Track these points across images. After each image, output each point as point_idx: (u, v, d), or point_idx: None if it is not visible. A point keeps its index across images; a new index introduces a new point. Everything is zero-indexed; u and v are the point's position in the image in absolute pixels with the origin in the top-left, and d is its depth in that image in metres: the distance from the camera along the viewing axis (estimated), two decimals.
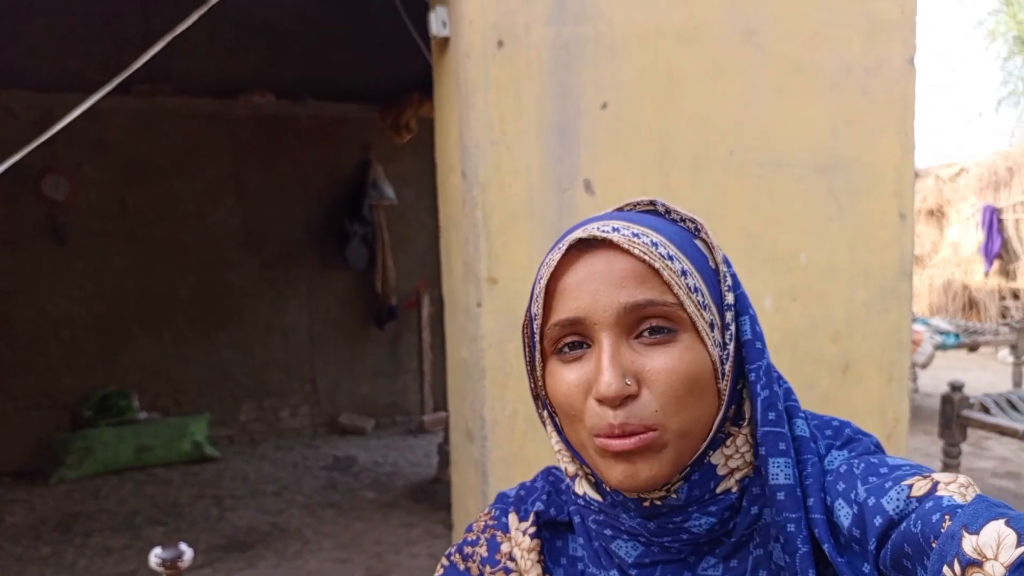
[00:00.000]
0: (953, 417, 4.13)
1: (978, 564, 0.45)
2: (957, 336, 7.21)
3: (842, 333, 2.73)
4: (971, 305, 11.41)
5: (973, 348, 7.65)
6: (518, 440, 2.35)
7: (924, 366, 7.10)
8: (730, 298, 0.63)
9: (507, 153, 2.23)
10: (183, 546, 1.06)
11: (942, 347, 7.05)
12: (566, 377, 0.62)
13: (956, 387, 4.18)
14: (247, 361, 6.15)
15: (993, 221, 10.68)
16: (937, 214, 12.07)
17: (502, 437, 2.34)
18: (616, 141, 2.37)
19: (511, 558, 0.71)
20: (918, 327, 7.02)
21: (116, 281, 5.68)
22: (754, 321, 0.64)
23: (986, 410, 4.27)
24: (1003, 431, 3.90)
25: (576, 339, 0.62)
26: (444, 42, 2.34)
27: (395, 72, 5.07)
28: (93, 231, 5.58)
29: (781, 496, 0.60)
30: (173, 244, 5.82)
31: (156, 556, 1.06)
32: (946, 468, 4.20)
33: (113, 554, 3.84)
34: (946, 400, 4.17)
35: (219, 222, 5.98)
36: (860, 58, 2.67)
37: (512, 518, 0.73)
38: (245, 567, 3.68)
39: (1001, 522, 0.46)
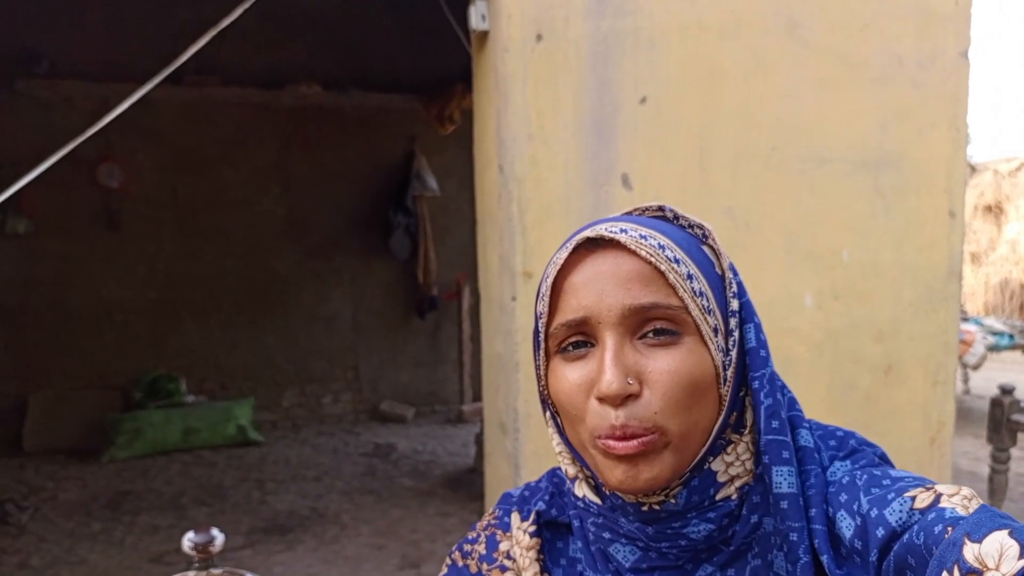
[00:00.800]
0: (1003, 421, 4.00)
1: (978, 573, 0.45)
2: (1011, 337, 6.99)
3: (886, 333, 2.68)
4: None
5: None
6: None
7: (976, 367, 6.90)
8: (735, 304, 0.63)
9: (544, 147, 2.23)
10: (215, 531, 1.09)
11: (995, 348, 6.84)
12: (569, 376, 0.62)
13: (1007, 390, 4.05)
14: (291, 348, 6.27)
15: None
16: (995, 210, 11.67)
17: (535, 430, 2.35)
18: (655, 136, 2.35)
19: (508, 556, 0.72)
20: (970, 327, 6.82)
21: (166, 267, 5.84)
22: (759, 329, 0.63)
23: None
24: None
25: (580, 339, 0.62)
26: (483, 36, 2.35)
27: (439, 63, 5.10)
28: (145, 218, 5.74)
29: (784, 505, 0.59)
30: (220, 232, 5.96)
31: (188, 540, 1.09)
32: (995, 473, 4.08)
33: (160, 532, 3.96)
34: (995, 403, 4.04)
35: (265, 211, 6.09)
36: (911, 51, 2.60)
37: (515, 517, 0.74)
38: (284, 550, 3.76)
39: (1004, 532, 0.46)
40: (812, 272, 2.57)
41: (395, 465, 5.20)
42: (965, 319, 7.21)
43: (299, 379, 6.33)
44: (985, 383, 7.72)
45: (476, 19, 2.26)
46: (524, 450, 2.34)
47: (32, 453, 5.34)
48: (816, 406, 2.57)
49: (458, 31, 2.69)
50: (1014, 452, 4.16)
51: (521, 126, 2.21)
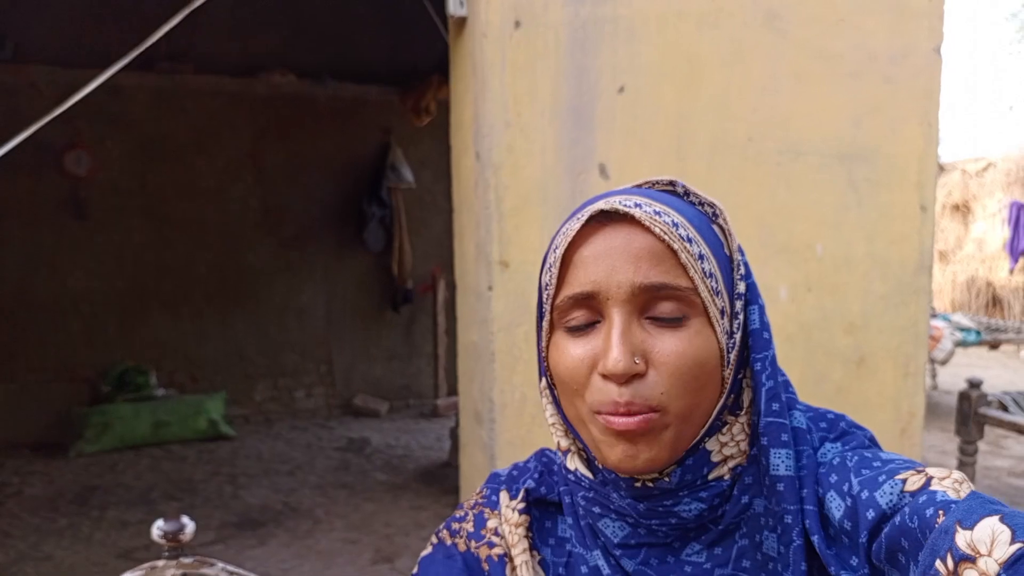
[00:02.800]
0: (970, 414, 4.07)
1: (971, 560, 0.45)
2: (978, 333, 7.11)
3: (857, 326, 2.70)
4: (995, 302, 11.24)
5: (995, 346, 7.56)
6: (526, 424, 2.35)
7: (943, 362, 7.01)
8: (742, 287, 0.62)
9: (521, 135, 2.21)
10: (185, 519, 1.07)
11: (962, 344, 6.95)
12: (572, 351, 0.61)
13: (974, 384, 4.11)
14: (263, 341, 6.19)
15: (1020, 218, 10.48)
16: (962, 209, 11.88)
17: (511, 420, 2.34)
18: (633, 125, 2.34)
19: (496, 533, 0.71)
20: (938, 323, 6.93)
21: (135, 257, 5.74)
22: (762, 312, 0.63)
23: (1004, 408, 4.21)
24: (1021, 430, 3.84)
25: (586, 313, 0.61)
26: (461, 22, 2.32)
27: (416, 54, 5.07)
28: (114, 207, 5.63)
29: (781, 487, 0.59)
30: (191, 222, 5.86)
31: (158, 528, 1.06)
32: (962, 466, 4.14)
33: (129, 528, 3.89)
34: (963, 397, 4.11)
35: (237, 201, 6.01)
36: (885, 46, 2.62)
37: (503, 496, 0.73)
38: (256, 544, 3.72)
39: (995, 518, 0.46)
40: (787, 265, 2.58)
41: (368, 459, 5.16)
42: (933, 315, 7.32)
43: (271, 372, 6.26)
44: (953, 378, 7.85)
45: (454, 5, 2.23)
46: (499, 440, 2.33)
47: None
48: None
49: (435, 17, 2.67)
50: (981, 445, 4.24)
51: (498, 113, 2.19)
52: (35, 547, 3.65)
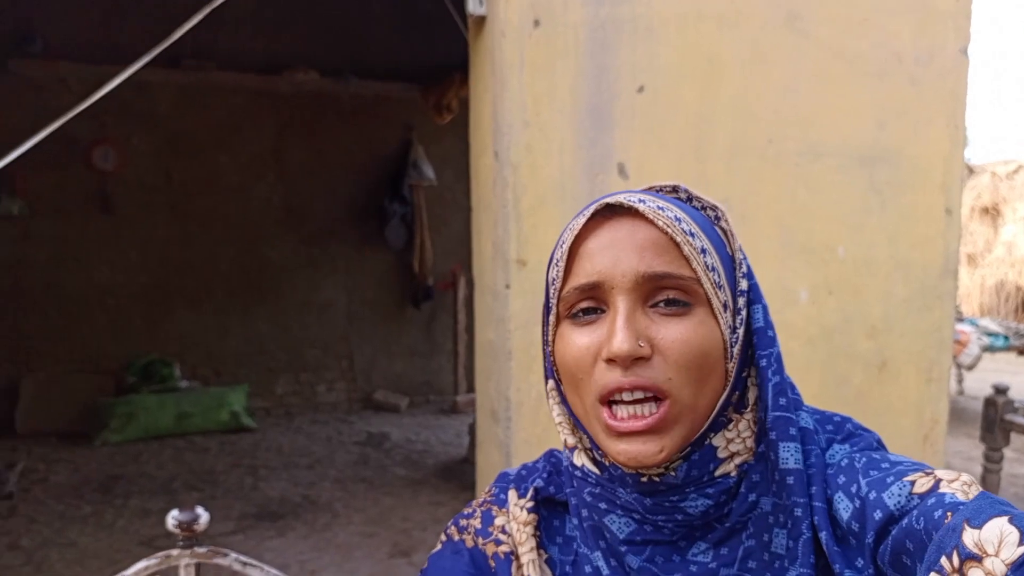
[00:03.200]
0: (996, 421, 4.01)
1: (978, 559, 0.45)
2: (1007, 338, 7.00)
3: (879, 329, 2.67)
4: None
5: (1023, 351, 7.42)
6: (543, 422, 2.35)
7: (970, 368, 6.91)
8: (744, 284, 0.63)
9: (540, 134, 2.22)
10: (199, 509, 1.08)
11: (990, 349, 6.85)
12: (577, 340, 0.62)
13: (1000, 390, 4.05)
14: (284, 335, 6.25)
15: None
16: (992, 212, 11.68)
17: (527, 419, 2.34)
18: (651, 125, 2.34)
19: (503, 531, 0.72)
20: (965, 328, 6.83)
21: (160, 252, 5.82)
22: (766, 311, 0.64)
23: None
24: None
25: (591, 304, 0.62)
26: (480, 21, 2.33)
27: (438, 52, 5.08)
28: (139, 202, 5.72)
29: (791, 480, 0.60)
30: (214, 218, 5.94)
31: (173, 519, 1.08)
32: (987, 473, 4.09)
33: (151, 516, 3.95)
34: (989, 403, 4.05)
35: (260, 197, 6.07)
36: (910, 47, 2.59)
37: (512, 494, 0.74)
38: (275, 536, 3.76)
39: (1004, 519, 0.46)
40: (807, 266, 2.56)
41: (388, 454, 5.19)
42: (960, 320, 7.21)
43: (293, 367, 6.32)
44: (979, 384, 7.73)
45: (473, 3, 2.24)
46: (515, 438, 2.34)
47: (24, 435, 5.33)
48: (808, 401, 2.55)
49: (455, 16, 2.67)
50: (1007, 452, 4.17)
51: (517, 112, 2.19)
52: (59, 533, 3.72)
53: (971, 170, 11.68)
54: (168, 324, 5.90)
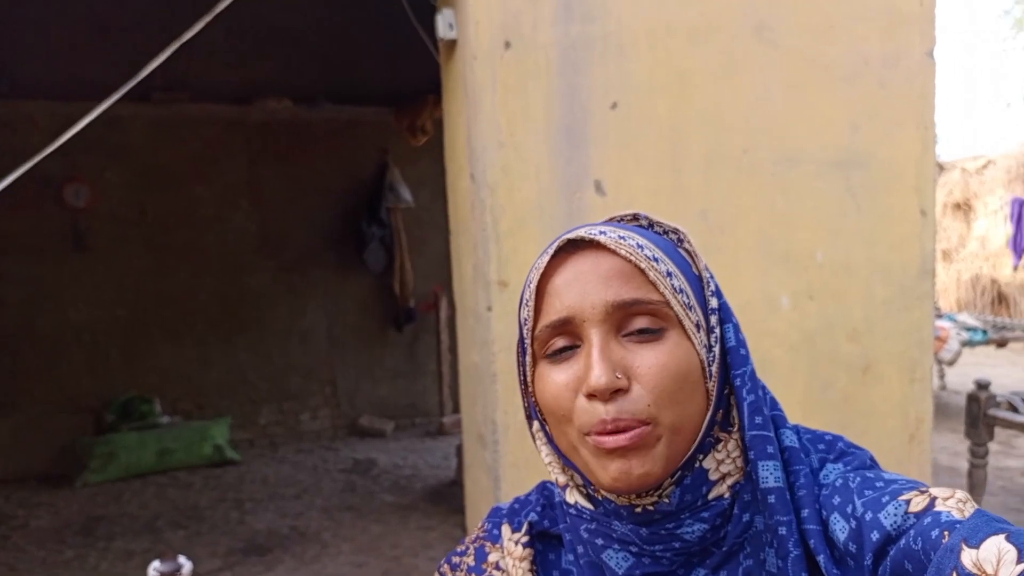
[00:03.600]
0: (980, 416, 4.04)
1: None
2: (985, 332, 7.08)
3: (861, 332, 2.68)
4: (1000, 300, 11.20)
5: (1002, 344, 7.51)
6: (530, 445, 2.32)
7: (951, 363, 6.97)
8: (714, 303, 0.64)
9: (515, 155, 2.21)
10: (182, 559, 1.05)
11: (969, 344, 6.92)
12: (555, 378, 0.62)
13: (982, 385, 4.09)
14: (266, 365, 6.18)
15: (1022, 214, 10.46)
16: (964, 207, 11.86)
17: (514, 442, 2.32)
18: (627, 141, 2.34)
19: (497, 567, 0.72)
20: (944, 323, 6.90)
21: (136, 286, 5.74)
22: (737, 329, 0.64)
23: (1014, 409, 4.17)
24: None
25: (566, 341, 0.62)
26: (451, 44, 2.33)
27: (411, 75, 5.07)
28: (114, 237, 5.65)
29: (772, 499, 0.59)
30: (191, 249, 5.87)
31: (155, 570, 1.05)
32: (973, 468, 4.11)
33: (135, 558, 3.87)
34: (972, 399, 4.08)
35: (237, 227, 6.02)
36: (878, 52, 2.62)
37: (505, 529, 0.73)
38: (263, 571, 3.69)
39: (1001, 537, 0.46)
40: (787, 273, 2.57)
41: (375, 480, 5.13)
42: (939, 316, 7.29)
43: (276, 396, 6.25)
44: (961, 378, 7.80)
45: (444, 28, 2.24)
46: (503, 462, 2.31)
47: (2, 480, 5.21)
48: (794, 407, 2.57)
49: (426, 40, 2.67)
50: (992, 445, 4.20)
51: (492, 134, 2.19)
52: None
53: (941, 167, 11.86)
54: (147, 359, 5.81)
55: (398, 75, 5.32)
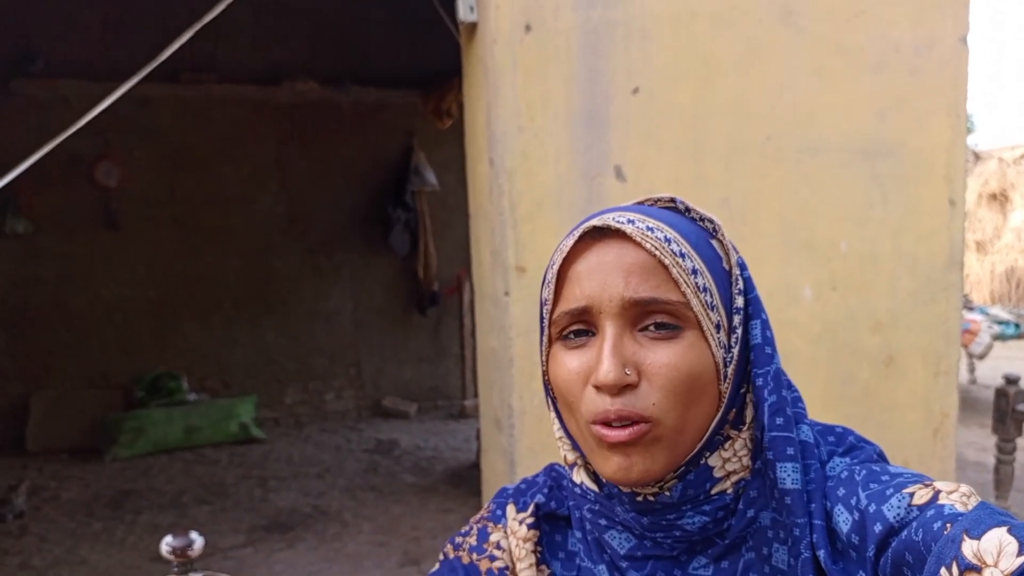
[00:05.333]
0: (1008, 412, 3.96)
1: (977, 570, 0.45)
2: (1017, 326, 6.94)
3: (885, 324, 2.64)
4: None
5: None
6: (546, 429, 2.33)
7: (982, 357, 6.85)
8: (740, 301, 0.63)
9: (535, 140, 2.20)
10: (193, 535, 1.08)
11: (1001, 337, 6.79)
12: (567, 363, 0.62)
13: (1011, 380, 4.01)
14: (292, 345, 6.26)
15: None
16: (1000, 198, 11.59)
17: (530, 426, 2.33)
18: (648, 127, 2.32)
19: (499, 547, 0.72)
20: (976, 316, 6.77)
21: (166, 266, 5.83)
22: (766, 326, 0.63)
23: None
24: None
25: (581, 327, 0.62)
26: (472, 27, 2.32)
27: (437, 57, 5.07)
28: (143, 217, 5.73)
29: (789, 500, 0.59)
30: (219, 230, 5.95)
31: (167, 544, 1.07)
32: (1000, 465, 4.04)
33: (161, 532, 3.95)
34: (1000, 394, 4.00)
35: (264, 208, 6.08)
36: (909, 37, 2.56)
37: (510, 509, 0.74)
38: (285, 548, 3.76)
39: (1003, 529, 0.46)
40: (810, 263, 2.53)
41: (397, 461, 5.19)
42: (971, 308, 7.16)
43: (301, 376, 6.33)
44: (991, 372, 7.66)
45: (464, 10, 2.23)
46: (519, 446, 2.32)
47: (35, 453, 5.35)
48: (815, 399, 2.54)
49: (448, 23, 2.66)
50: (1020, 442, 4.12)
51: (511, 119, 2.18)
52: (71, 551, 3.73)
53: (977, 156, 11.60)
54: (176, 338, 5.91)
55: (424, 57, 5.32)
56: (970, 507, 0.52)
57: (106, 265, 5.67)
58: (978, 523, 0.47)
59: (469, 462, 5.05)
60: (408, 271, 6.48)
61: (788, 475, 0.60)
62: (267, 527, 4.03)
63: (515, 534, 0.72)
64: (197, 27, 2.39)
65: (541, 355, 0.67)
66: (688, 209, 0.66)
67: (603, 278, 0.60)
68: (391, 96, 6.15)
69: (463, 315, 6.54)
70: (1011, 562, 0.44)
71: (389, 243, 6.25)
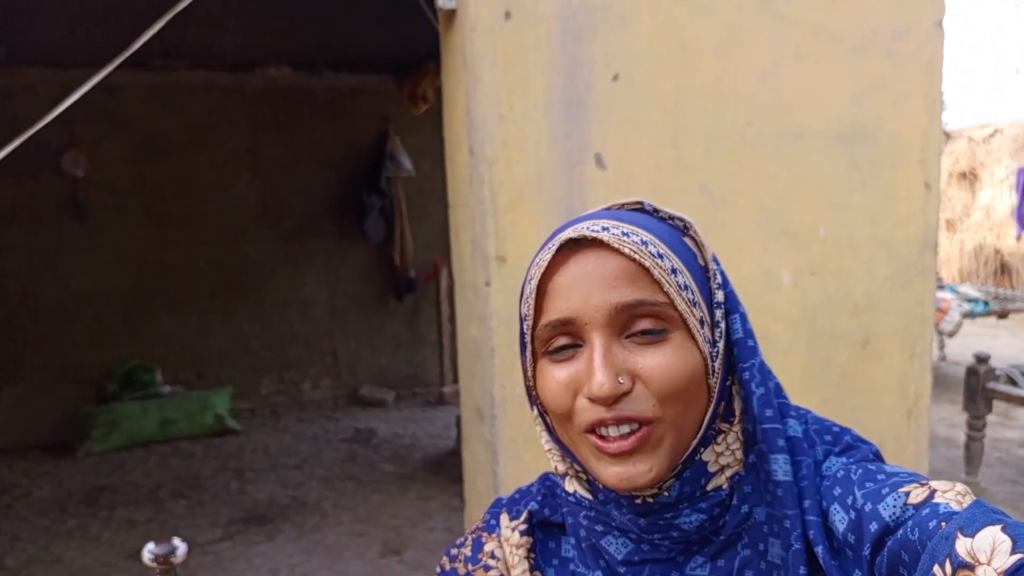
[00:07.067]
0: (978, 389, 4.04)
1: (970, 567, 0.45)
2: (986, 303, 7.07)
3: (862, 308, 2.67)
4: (1003, 270, 11.17)
5: (1003, 315, 7.50)
6: (527, 419, 2.32)
7: (951, 335, 6.98)
8: (720, 296, 0.63)
9: (515, 128, 2.18)
10: (176, 541, 1.05)
11: (970, 315, 6.91)
12: (556, 376, 0.62)
13: (981, 359, 4.09)
14: (267, 334, 6.19)
15: None
16: (969, 176, 11.77)
17: (512, 416, 2.32)
18: (628, 114, 2.30)
19: (493, 556, 0.73)
20: (946, 295, 6.89)
21: (137, 256, 5.73)
22: (744, 319, 0.64)
23: (1013, 382, 4.18)
24: None
25: (567, 339, 0.62)
26: (451, 14, 2.28)
27: (412, 42, 5.00)
28: (113, 207, 5.62)
29: (781, 492, 0.60)
30: (191, 218, 5.85)
31: (149, 552, 1.05)
32: (971, 441, 4.13)
33: (137, 527, 3.91)
34: (971, 372, 4.09)
35: (237, 196, 5.99)
36: (886, 22, 2.56)
37: (503, 518, 0.75)
38: (264, 540, 3.73)
39: (997, 527, 0.46)
40: (789, 249, 2.54)
41: (376, 450, 5.17)
42: (940, 287, 7.27)
43: (277, 366, 6.27)
44: (961, 349, 7.81)
45: None
46: (501, 436, 2.31)
47: (5, 449, 5.26)
48: (793, 383, 2.56)
49: (426, 10, 2.62)
50: (990, 417, 4.21)
51: (491, 106, 2.15)
52: (45, 549, 3.68)
53: (948, 135, 11.75)
54: (148, 328, 5.82)
55: (399, 42, 5.24)
56: (965, 506, 0.52)
57: (75, 256, 5.55)
58: (972, 521, 0.48)
59: (448, 449, 5.05)
60: (383, 258, 6.43)
61: (779, 467, 0.60)
62: (245, 520, 3.99)
63: (508, 541, 0.72)
64: (172, 14, 2.33)
65: (525, 370, 0.67)
66: (656, 210, 0.66)
67: (586, 289, 0.60)
68: (366, 81, 6.07)
69: (440, 301, 6.51)
70: (1004, 560, 0.44)
71: (364, 230, 6.20)
